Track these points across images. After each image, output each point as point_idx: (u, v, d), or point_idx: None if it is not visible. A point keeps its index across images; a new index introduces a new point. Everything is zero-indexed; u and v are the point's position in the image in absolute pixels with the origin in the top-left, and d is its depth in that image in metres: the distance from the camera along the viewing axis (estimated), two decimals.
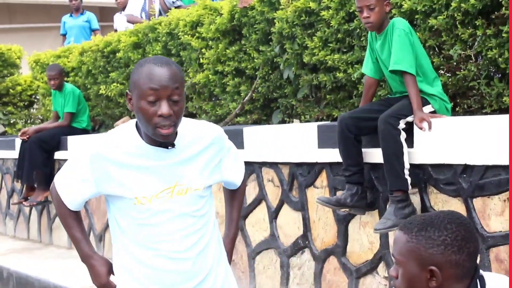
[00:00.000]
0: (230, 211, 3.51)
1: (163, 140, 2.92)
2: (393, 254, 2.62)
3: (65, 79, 10.08)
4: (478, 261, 4.25)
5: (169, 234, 3.03)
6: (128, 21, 10.45)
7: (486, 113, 5.00)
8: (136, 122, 3.03)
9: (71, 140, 9.05)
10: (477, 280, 2.51)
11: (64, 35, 12.46)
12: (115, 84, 9.13)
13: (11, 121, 12.90)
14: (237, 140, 6.30)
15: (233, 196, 3.50)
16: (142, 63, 2.93)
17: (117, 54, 9.01)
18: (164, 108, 2.81)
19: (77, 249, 3.21)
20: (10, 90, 12.88)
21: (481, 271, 2.55)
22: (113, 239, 3.16)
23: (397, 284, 2.58)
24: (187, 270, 3.05)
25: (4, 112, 12.93)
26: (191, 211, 3.06)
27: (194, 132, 3.10)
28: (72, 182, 3.09)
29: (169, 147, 3.00)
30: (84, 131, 9.38)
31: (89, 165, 2.99)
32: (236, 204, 3.51)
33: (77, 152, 3.14)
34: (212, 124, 3.28)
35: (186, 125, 3.08)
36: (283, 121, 6.89)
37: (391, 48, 4.86)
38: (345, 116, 5.04)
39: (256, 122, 7.18)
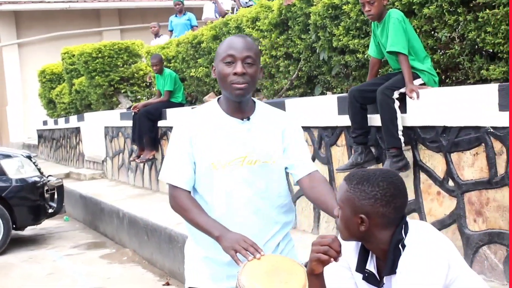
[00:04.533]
0: (324, 200, 2.75)
1: (238, 97, 2.66)
2: (336, 199, 2.45)
3: (168, 64, 10.12)
4: (452, 207, 4.07)
5: (238, 199, 2.71)
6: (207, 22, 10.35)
7: (470, 83, 4.72)
8: (218, 98, 2.82)
9: (170, 111, 9.09)
10: (402, 226, 2.34)
11: (171, 31, 12.47)
12: (201, 68, 9.07)
13: (137, 98, 13.01)
14: (281, 109, 6.17)
15: (315, 186, 2.80)
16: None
17: (201, 44, 8.94)
18: (238, 67, 2.62)
19: (206, 231, 2.63)
20: (135, 74, 12.99)
21: (407, 219, 2.38)
22: None
23: (337, 222, 2.43)
24: (252, 234, 2.63)
25: (132, 91, 13.07)
26: (257, 180, 2.73)
27: (270, 114, 2.81)
28: (178, 164, 2.73)
29: (244, 120, 2.73)
30: (179, 105, 9.39)
31: (186, 141, 2.71)
32: (325, 192, 2.76)
33: (173, 135, 2.77)
34: (288, 113, 2.98)
35: (265, 107, 2.83)
36: (322, 93, 6.71)
37: (388, 34, 4.64)
38: (354, 89, 4.86)
39: (302, 95, 7.01)
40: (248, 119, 2.74)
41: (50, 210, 9.21)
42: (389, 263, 2.30)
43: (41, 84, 18.05)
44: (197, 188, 2.77)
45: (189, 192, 2.74)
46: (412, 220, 2.40)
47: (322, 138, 5.59)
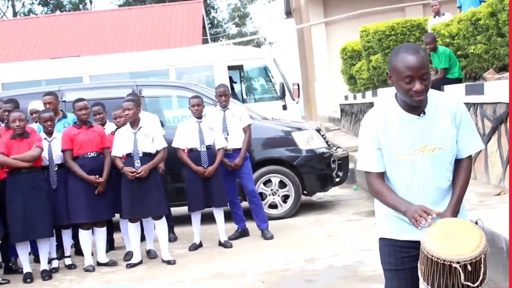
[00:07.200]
0: (454, 187, 3.33)
1: (417, 104, 3.16)
2: None
3: (452, 41, 10.41)
4: None
5: (421, 181, 3.25)
6: None
7: None
8: (395, 94, 3.27)
9: (447, 88, 9.44)
10: None
11: (459, 8, 12.62)
12: (480, 44, 9.27)
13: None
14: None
15: (458, 172, 3.34)
16: (397, 51, 3.15)
17: (479, 21, 9.13)
18: (417, 86, 3.07)
19: (396, 208, 3.26)
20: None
21: None
22: None
23: None
24: (431, 204, 3.25)
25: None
26: (436, 164, 3.24)
27: (440, 102, 3.24)
28: (369, 154, 3.30)
29: (421, 115, 3.21)
30: (457, 80, 9.69)
31: (374, 137, 3.27)
32: (460, 182, 3.32)
33: (362, 131, 3.34)
34: (454, 97, 3.33)
35: (435, 96, 3.25)
36: None
37: None
38: None
39: None
40: (424, 113, 3.22)
41: (337, 179, 10.15)
42: None
43: (343, 60, 19.29)
44: (388, 171, 3.34)
45: (382, 173, 3.32)
46: None
47: None
